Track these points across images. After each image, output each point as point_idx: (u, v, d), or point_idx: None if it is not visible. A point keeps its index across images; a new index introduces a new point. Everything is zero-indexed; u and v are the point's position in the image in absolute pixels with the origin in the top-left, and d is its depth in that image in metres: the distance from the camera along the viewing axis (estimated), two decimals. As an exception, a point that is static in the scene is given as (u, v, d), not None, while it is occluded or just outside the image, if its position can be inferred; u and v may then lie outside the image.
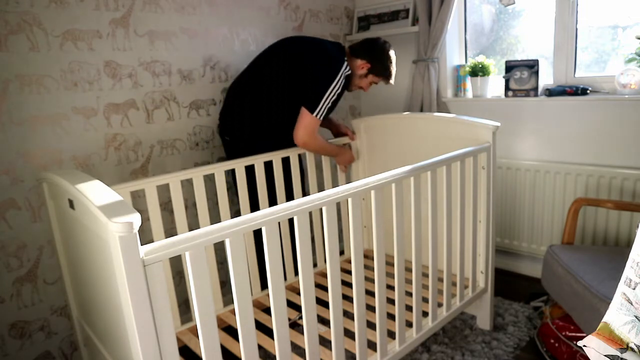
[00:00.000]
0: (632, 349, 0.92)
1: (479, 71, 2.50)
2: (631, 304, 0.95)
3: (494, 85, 2.53)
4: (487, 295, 2.02)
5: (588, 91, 2.17)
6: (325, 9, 2.75)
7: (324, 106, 1.92)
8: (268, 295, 1.76)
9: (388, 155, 2.30)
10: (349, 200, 1.36)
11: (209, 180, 2.16)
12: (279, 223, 1.21)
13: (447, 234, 1.74)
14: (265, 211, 1.16)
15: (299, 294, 2.00)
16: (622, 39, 2.19)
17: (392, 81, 2.16)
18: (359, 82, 2.11)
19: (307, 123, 1.92)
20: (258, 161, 1.96)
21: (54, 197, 1.40)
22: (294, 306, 1.91)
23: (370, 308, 1.64)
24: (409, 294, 1.83)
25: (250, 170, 1.97)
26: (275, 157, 2.02)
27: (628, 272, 0.97)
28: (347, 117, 2.98)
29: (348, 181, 2.43)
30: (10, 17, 1.60)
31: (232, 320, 1.86)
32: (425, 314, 1.78)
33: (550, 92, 2.24)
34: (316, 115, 1.91)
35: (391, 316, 1.67)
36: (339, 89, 1.96)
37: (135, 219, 0.92)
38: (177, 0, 2.05)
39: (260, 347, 1.63)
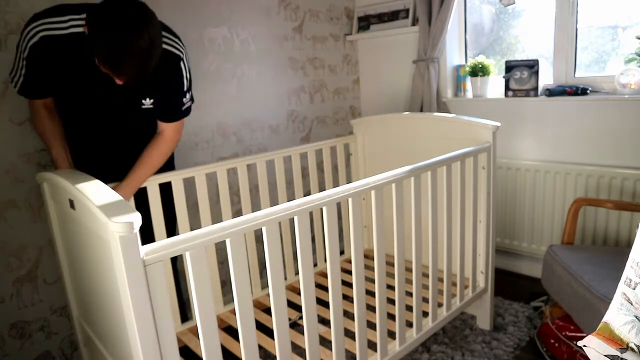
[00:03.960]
0: (632, 349, 0.92)
1: (479, 71, 2.50)
2: (631, 304, 0.95)
3: (494, 85, 2.53)
4: (487, 295, 2.02)
5: (588, 91, 2.17)
6: (325, 9, 2.75)
7: (14, 72, 1.44)
8: (268, 295, 1.76)
9: (388, 155, 2.30)
10: (349, 200, 1.36)
11: (209, 180, 2.16)
12: (279, 223, 1.21)
13: (447, 234, 1.74)
14: (266, 211, 1.16)
15: (299, 294, 2.00)
16: (622, 39, 2.19)
17: (101, 65, 1.24)
18: None
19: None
20: (259, 160, 1.96)
21: (54, 197, 1.40)
22: (294, 306, 1.91)
23: (371, 308, 1.64)
24: (409, 294, 1.83)
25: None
26: (277, 156, 2.02)
27: (628, 272, 0.97)
28: (347, 117, 2.98)
29: (348, 181, 2.43)
30: (10, 17, 1.60)
31: (232, 320, 1.86)
32: (425, 314, 1.78)
33: (550, 92, 2.24)
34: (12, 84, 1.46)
35: (391, 316, 1.67)
36: (22, 53, 1.38)
37: (136, 218, 0.92)
38: (177, 0, 2.05)
39: (260, 347, 1.63)
